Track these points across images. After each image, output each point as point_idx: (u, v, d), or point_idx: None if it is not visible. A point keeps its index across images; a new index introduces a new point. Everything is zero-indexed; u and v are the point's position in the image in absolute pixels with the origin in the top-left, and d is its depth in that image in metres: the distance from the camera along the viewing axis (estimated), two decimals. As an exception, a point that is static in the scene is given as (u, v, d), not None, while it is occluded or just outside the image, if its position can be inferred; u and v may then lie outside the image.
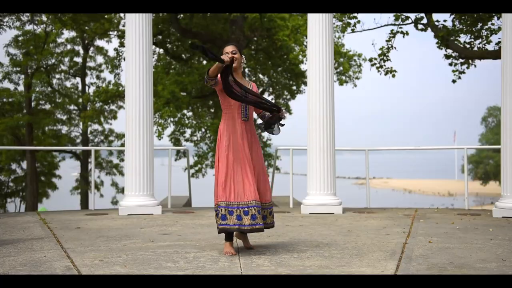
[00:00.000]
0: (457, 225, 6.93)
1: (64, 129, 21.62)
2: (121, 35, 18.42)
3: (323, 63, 8.51)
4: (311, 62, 8.61)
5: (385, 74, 13.74)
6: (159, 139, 16.97)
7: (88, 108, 20.01)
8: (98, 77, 22.19)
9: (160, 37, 18.92)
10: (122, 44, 18.65)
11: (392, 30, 13.37)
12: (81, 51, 21.79)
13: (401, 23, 13.26)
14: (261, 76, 20.18)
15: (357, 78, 20.15)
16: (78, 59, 21.72)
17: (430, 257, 4.83)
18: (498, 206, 7.86)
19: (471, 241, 5.67)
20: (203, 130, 18.43)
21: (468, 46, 12.97)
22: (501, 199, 7.91)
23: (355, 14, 13.78)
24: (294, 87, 19.48)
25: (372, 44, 13.88)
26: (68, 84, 22.00)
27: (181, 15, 17.81)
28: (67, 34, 20.85)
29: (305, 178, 8.85)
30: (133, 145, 8.42)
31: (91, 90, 21.41)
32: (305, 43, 17.67)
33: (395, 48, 13.54)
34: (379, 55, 13.62)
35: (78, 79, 22.09)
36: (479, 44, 12.94)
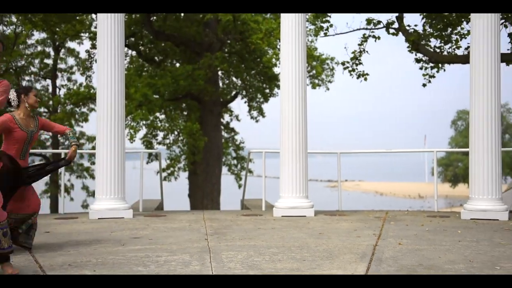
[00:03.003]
0: (426, 227, 7.03)
1: None
2: (93, 37, 18.22)
3: (296, 67, 8.55)
4: (284, 66, 8.65)
5: (357, 78, 13.86)
6: (131, 142, 16.80)
7: (58, 111, 19.72)
8: (69, 79, 21.89)
9: (132, 39, 18.77)
10: (94, 46, 18.45)
11: (364, 34, 13.49)
12: (52, 53, 21.47)
13: (373, 27, 13.40)
14: (234, 79, 20.17)
15: (329, 81, 20.29)
16: (49, 61, 21.39)
17: (400, 259, 4.88)
18: (466, 208, 7.99)
19: (440, 243, 5.76)
20: (175, 133, 18.33)
21: (438, 50, 13.16)
22: (469, 201, 8.04)
23: (328, 18, 13.88)
24: (267, 90, 19.52)
25: (345, 48, 13.99)
26: (38, 86, 21.65)
27: (154, 17, 17.70)
28: (38, 35, 20.54)
29: (277, 181, 8.87)
30: (104, 148, 8.32)
31: (62, 92, 21.11)
32: (278, 47, 17.73)
33: (367, 52, 13.66)
34: (351, 59, 13.73)
35: (49, 81, 21.76)
36: (449, 48, 13.14)
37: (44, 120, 5.68)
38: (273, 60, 17.76)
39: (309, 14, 14.86)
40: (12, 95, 5.45)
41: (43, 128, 5.64)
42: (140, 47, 19.42)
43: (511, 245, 5.63)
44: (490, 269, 4.46)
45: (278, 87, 18.71)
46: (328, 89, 20.46)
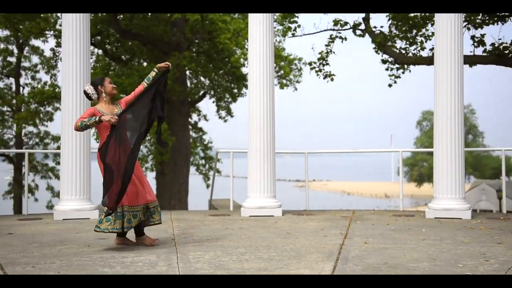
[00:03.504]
0: (392, 226, 7.13)
1: None
2: (58, 35, 17.91)
3: (264, 67, 8.57)
4: (252, 66, 8.66)
5: (324, 78, 13.98)
6: (98, 142, 16.60)
7: (22, 110, 19.32)
8: (33, 78, 21.45)
9: (99, 37, 18.52)
10: (59, 44, 18.14)
11: (331, 35, 13.62)
12: (15, 51, 21.02)
13: (340, 28, 13.53)
14: (202, 78, 20.09)
15: (297, 81, 20.39)
16: (12, 59, 20.92)
17: (366, 257, 4.94)
18: (430, 207, 8.14)
19: (404, 242, 5.85)
20: (143, 132, 18.14)
21: (403, 51, 13.37)
22: (433, 200, 8.19)
23: (296, 19, 13.97)
24: (236, 90, 19.51)
25: (312, 48, 14.10)
26: (1, 84, 21.16)
27: (121, 16, 17.51)
28: (0, 32, 20.07)
29: (245, 181, 8.88)
30: (70, 147, 8.19)
31: (26, 91, 20.68)
32: (246, 47, 17.75)
33: (334, 52, 13.79)
34: (319, 59, 13.84)
35: (12, 80, 21.28)
36: (414, 50, 13.37)
37: (123, 99, 5.80)
38: (241, 60, 17.77)
39: (277, 14, 14.92)
40: (90, 89, 5.65)
41: (126, 104, 5.73)
42: (107, 45, 19.18)
43: (474, 243, 5.76)
44: (453, 266, 4.55)
45: (246, 87, 18.73)
46: (296, 89, 20.56)
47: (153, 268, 4.53)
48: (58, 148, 17.96)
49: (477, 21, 12.19)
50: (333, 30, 13.60)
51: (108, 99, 5.69)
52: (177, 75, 17.50)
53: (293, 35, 14.18)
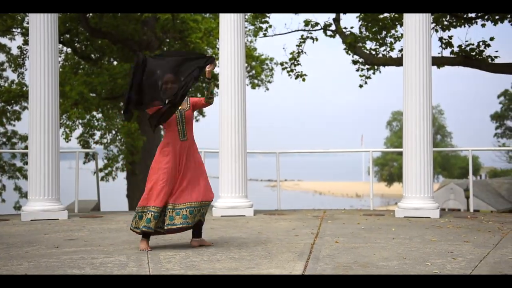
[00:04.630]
0: (362, 225, 7.20)
1: None
2: (25, 33, 17.59)
3: (235, 66, 8.56)
4: (223, 65, 8.65)
5: (296, 78, 14.05)
6: (67, 142, 16.34)
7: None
8: (0, 76, 21.06)
9: (68, 35, 18.25)
10: (26, 42, 17.81)
11: (302, 36, 13.69)
12: (-18, 48, 20.58)
13: (311, 29, 13.62)
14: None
15: (269, 81, 20.45)
16: (-22, 57, 20.54)
17: (337, 256, 4.98)
18: (400, 206, 8.24)
19: (375, 241, 5.91)
20: (113, 132, 17.96)
21: (373, 52, 13.53)
22: (403, 199, 8.30)
23: (267, 19, 14.00)
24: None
25: (283, 48, 14.16)
26: (-34, 82, 20.72)
27: (90, 14, 17.28)
28: (-35, 29, 19.63)
29: (217, 181, 8.85)
30: (38, 147, 8.05)
31: (-8, 89, 20.27)
32: (217, 46, 17.71)
33: (305, 53, 13.87)
34: (290, 59, 13.91)
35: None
36: (383, 51, 13.54)
37: (193, 99, 5.78)
38: (213, 59, 17.70)
39: (248, 14, 14.93)
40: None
41: (194, 106, 5.75)
42: (76, 44, 18.91)
43: (442, 242, 5.85)
44: (421, 265, 4.62)
45: (218, 86, 18.73)
46: (267, 89, 20.61)
47: (123, 268, 4.49)
48: (26, 147, 17.65)
49: (445, 23, 12.41)
50: (304, 30, 13.68)
51: None
52: (148, 75, 17.34)
53: (265, 35, 14.22)
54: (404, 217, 8.06)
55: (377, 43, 13.51)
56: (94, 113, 17.67)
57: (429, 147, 8.17)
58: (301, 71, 14.03)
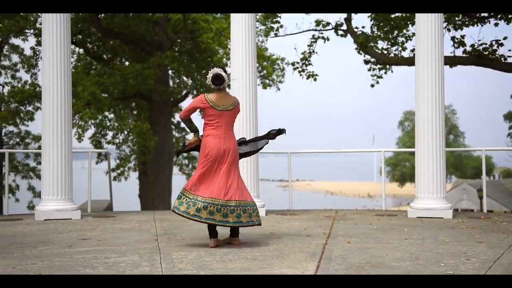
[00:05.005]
0: (374, 226, 7.17)
1: None
2: (38, 34, 17.72)
3: (246, 66, 8.56)
4: (235, 65, 8.65)
5: (307, 78, 14.02)
6: (79, 142, 16.44)
7: (2, 109, 19.08)
8: (13, 77, 21.19)
9: (80, 36, 18.36)
10: (39, 43, 17.95)
11: (313, 35, 13.66)
12: (-5, 49, 20.76)
13: (322, 28, 13.59)
14: (185, 78, 20.03)
15: (280, 81, 20.43)
16: (-8, 58, 20.69)
17: (349, 257, 4.97)
18: (413, 206, 8.20)
19: (387, 241, 5.88)
20: (125, 132, 18.05)
21: (385, 52, 13.46)
22: (415, 200, 8.25)
23: (278, 19, 13.99)
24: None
25: (295, 48, 14.13)
26: (-20, 83, 20.90)
27: (102, 15, 17.37)
28: (-21, 31, 19.81)
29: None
30: (51, 147, 8.11)
31: (6, 90, 20.43)
32: (229, 46, 17.72)
33: (316, 52, 13.84)
34: (301, 59, 13.88)
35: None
36: (395, 50, 13.47)
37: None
38: (224, 59, 17.74)
39: (259, 14, 14.92)
40: (226, 76, 5.86)
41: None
42: (88, 44, 19.02)
43: (455, 242, 5.82)
44: (435, 265, 4.59)
45: (229, 86, 18.72)
46: (278, 89, 20.60)
47: (136, 268, 4.51)
48: (39, 148, 17.77)
49: (457, 22, 12.32)
50: (315, 30, 13.65)
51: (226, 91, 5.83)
52: (159, 75, 17.42)
53: (276, 35, 14.20)
54: (417, 217, 8.02)
55: (389, 43, 13.44)
56: (106, 113, 17.76)
57: (442, 147, 8.12)
58: (313, 71, 14.00)
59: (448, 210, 8.03)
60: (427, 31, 8.05)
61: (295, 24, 13.75)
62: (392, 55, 13.44)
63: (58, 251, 5.33)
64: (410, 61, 12.57)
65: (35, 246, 5.63)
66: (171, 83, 20.08)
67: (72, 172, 8.34)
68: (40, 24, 16.82)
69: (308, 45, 13.77)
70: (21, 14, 16.45)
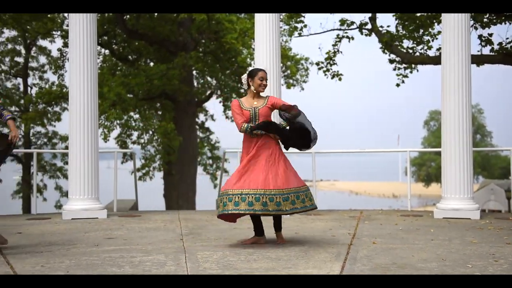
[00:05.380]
0: (400, 226, 7.11)
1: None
2: (65, 35, 17.98)
3: (270, 66, 8.55)
4: (259, 65, 8.64)
5: (332, 78, 13.98)
6: (105, 142, 16.65)
7: (30, 110, 19.41)
8: (41, 78, 21.55)
9: (105, 37, 18.58)
10: (66, 44, 18.22)
11: (337, 35, 13.61)
12: (23, 51, 21.11)
13: (346, 28, 13.52)
14: (209, 78, 20.12)
15: (304, 81, 20.39)
16: (20, 59, 21.04)
17: (374, 257, 4.93)
18: (439, 207, 8.11)
19: (413, 242, 5.83)
20: (150, 132, 18.21)
21: (410, 51, 13.34)
22: (442, 200, 8.16)
23: (302, 18, 13.96)
24: (242, 90, 19.53)
25: (319, 48, 14.10)
26: (9, 84, 21.25)
27: (127, 16, 17.55)
28: (8, 33, 20.18)
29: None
30: (78, 147, 8.22)
31: (34, 91, 20.78)
32: (252, 46, 17.75)
33: (341, 52, 13.79)
34: (326, 59, 13.84)
35: (20, 80, 21.38)
36: (421, 49, 13.33)
37: (274, 100, 5.85)
38: (248, 60, 17.78)
39: (283, 14, 14.91)
40: (244, 78, 5.83)
41: (273, 105, 5.80)
42: (114, 45, 19.24)
43: (483, 243, 5.73)
44: (462, 267, 4.53)
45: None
46: (302, 89, 20.56)
47: (162, 267, 4.54)
48: (66, 148, 18.03)
49: (484, 20, 12.14)
50: (340, 29, 13.59)
51: (254, 93, 5.79)
52: (184, 75, 17.52)
53: (300, 34, 14.18)
54: (443, 218, 7.93)
55: (414, 42, 13.31)
56: (132, 113, 17.94)
57: (469, 147, 8.01)
58: (337, 71, 13.96)
59: (475, 210, 7.92)
60: (454, 29, 7.95)
61: (319, 24, 13.86)
62: (417, 54, 13.31)
63: (85, 250, 5.40)
64: (436, 60, 12.43)
65: (63, 245, 5.72)
66: (195, 84, 20.19)
67: (99, 171, 8.44)
68: (67, 25, 17.08)
69: (333, 45, 13.73)
70: (48, 16, 16.69)
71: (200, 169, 20.15)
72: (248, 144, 5.71)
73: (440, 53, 9.65)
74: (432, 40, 13.14)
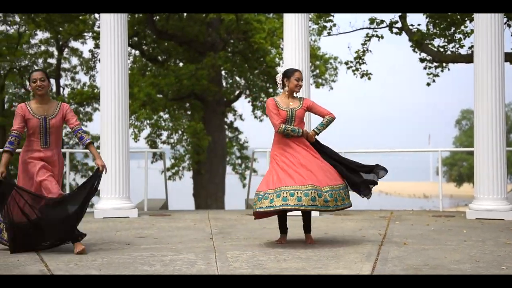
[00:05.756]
0: (431, 227, 7.01)
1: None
2: (96, 37, 18.25)
3: (299, 66, 8.52)
4: (287, 65, 8.62)
5: (361, 77, 13.87)
6: (135, 142, 16.83)
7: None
8: (73, 79, 21.91)
9: (136, 38, 18.79)
10: (97, 46, 18.49)
11: (367, 34, 13.49)
12: (55, 53, 21.49)
13: (376, 26, 13.40)
14: (237, 78, 20.17)
15: (333, 81, 20.28)
16: (52, 61, 21.42)
17: (406, 258, 4.88)
18: (471, 207, 7.98)
19: (445, 243, 5.75)
20: (179, 132, 18.34)
21: (441, 49, 13.15)
22: (474, 201, 8.02)
23: (331, 18, 13.88)
24: (271, 90, 19.52)
25: (348, 47, 14.00)
26: (42, 86, 21.65)
27: (157, 17, 17.72)
28: (41, 35, 20.58)
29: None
30: (109, 147, 8.33)
31: (66, 91, 21.14)
32: (281, 46, 17.72)
33: (370, 51, 13.67)
34: (355, 58, 13.74)
35: (53, 81, 21.78)
36: (452, 47, 13.13)
37: (309, 102, 5.88)
38: (276, 59, 17.77)
39: (312, 13, 14.86)
40: (279, 77, 5.87)
41: (308, 108, 5.83)
42: (143, 46, 19.44)
43: (517, 244, 5.62)
44: (496, 268, 4.45)
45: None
46: (331, 88, 20.45)
47: (192, 266, 4.57)
48: (98, 148, 18.27)
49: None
50: (369, 28, 13.47)
51: (289, 93, 5.79)
52: (212, 75, 17.60)
53: (329, 34, 14.09)
54: (476, 218, 7.80)
55: (445, 40, 13.12)
56: (161, 113, 18.10)
57: (502, 147, 7.86)
58: (366, 70, 13.84)
59: (509, 211, 7.76)
60: (486, 28, 7.80)
61: (349, 23, 13.63)
62: (449, 52, 13.11)
63: (116, 249, 5.47)
64: (468, 58, 12.24)
65: (95, 243, 5.80)
66: (224, 84, 20.26)
67: (129, 171, 8.54)
68: (98, 27, 17.32)
69: (362, 44, 13.62)
70: (80, 18, 16.94)
71: (229, 168, 20.22)
72: (283, 143, 5.68)
73: (472, 51, 9.49)
74: (464, 38, 12.93)
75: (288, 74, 5.80)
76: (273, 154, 5.75)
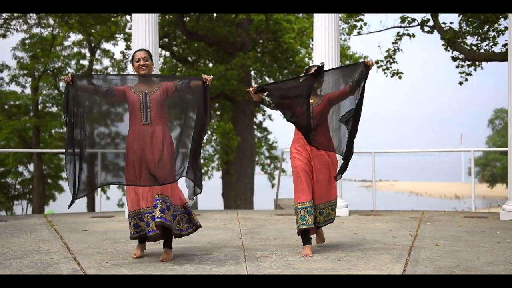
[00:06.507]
0: (464, 228, 6.91)
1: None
2: (128, 38, 18.47)
3: (329, 66, 8.48)
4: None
5: (391, 76, 13.72)
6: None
7: (94, 111, 20.03)
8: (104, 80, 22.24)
9: (166, 39, 18.95)
10: (128, 47, 18.70)
11: (398, 33, 13.34)
12: (88, 54, 21.84)
13: (407, 25, 13.23)
14: (267, 78, 20.17)
15: (363, 80, 20.11)
16: (85, 62, 21.76)
17: (437, 260, 4.81)
18: (505, 208, 7.82)
19: (478, 244, 5.65)
20: (209, 132, 18.44)
21: (474, 48, 12.92)
22: (508, 201, 7.87)
23: (361, 17, 13.77)
24: (300, 90, 19.46)
25: (379, 46, 13.85)
26: (75, 86, 22.03)
27: (187, 18, 17.85)
28: (74, 37, 20.93)
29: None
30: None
31: (98, 92, 21.46)
32: (311, 46, 17.66)
33: (401, 50, 13.52)
34: (386, 57, 13.60)
35: (85, 82, 22.11)
36: (485, 46, 12.88)
37: (330, 94, 5.60)
38: (306, 59, 17.70)
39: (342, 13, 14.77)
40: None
41: (329, 101, 5.57)
42: (174, 47, 19.59)
43: (552, 246, 5.49)
44: (530, 271, 4.35)
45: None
46: (362, 87, 20.28)
47: (222, 266, 4.59)
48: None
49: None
50: (400, 27, 13.32)
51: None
52: (242, 76, 17.64)
53: (359, 33, 13.98)
54: (510, 220, 7.64)
55: (479, 38, 12.88)
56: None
57: (537, 146, 7.69)
58: (397, 69, 13.69)
59: (544, 213, 7.59)
60: (521, 24, 7.64)
61: (379, 22, 13.55)
62: (482, 50, 12.87)
63: (147, 248, 5.52)
64: (502, 56, 11.99)
65: (126, 242, 5.87)
66: (253, 84, 20.28)
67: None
68: (130, 29, 17.54)
69: (393, 43, 13.47)
70: (112, 20, 17.16)
71: (258, 168, 20.23)
72: (301, 146, 5.60)
73: (506, 49, 9.30)
74: (498, 36, 12.67)
75: (308, 72, 5.60)
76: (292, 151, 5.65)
